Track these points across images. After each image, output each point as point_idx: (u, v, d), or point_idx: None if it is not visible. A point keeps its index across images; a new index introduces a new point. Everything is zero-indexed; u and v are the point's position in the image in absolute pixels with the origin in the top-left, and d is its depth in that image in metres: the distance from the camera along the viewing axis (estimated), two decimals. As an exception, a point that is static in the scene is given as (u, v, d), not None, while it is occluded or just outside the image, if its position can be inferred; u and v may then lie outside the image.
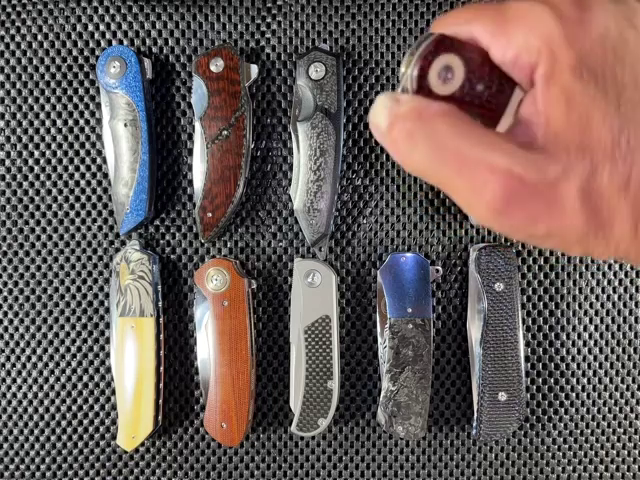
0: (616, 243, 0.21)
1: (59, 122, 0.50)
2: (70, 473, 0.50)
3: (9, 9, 0.49)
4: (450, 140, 0.21)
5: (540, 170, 0.20)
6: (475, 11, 0.22)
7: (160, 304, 0.48)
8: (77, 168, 0.50)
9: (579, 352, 0.49)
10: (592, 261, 0.49)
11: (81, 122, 0.50)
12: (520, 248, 0.49)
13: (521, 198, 0.20)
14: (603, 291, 0.49)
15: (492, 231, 0.49)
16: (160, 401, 0.48)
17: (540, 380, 0.49)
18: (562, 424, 0.50)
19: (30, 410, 0.50)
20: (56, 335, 0.50)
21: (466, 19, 0.22)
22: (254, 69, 0.47)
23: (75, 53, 0.49)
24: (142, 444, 0.48)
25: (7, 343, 0.50)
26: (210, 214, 0.47)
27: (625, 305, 0.49)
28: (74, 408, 0.50)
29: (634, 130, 0.20)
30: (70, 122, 0.50)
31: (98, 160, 0.50)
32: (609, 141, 0.20)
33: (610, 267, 0.49)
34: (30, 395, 0.50)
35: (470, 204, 0.22)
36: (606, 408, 0.49)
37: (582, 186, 0.20)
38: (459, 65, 0.21)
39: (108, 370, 0.50)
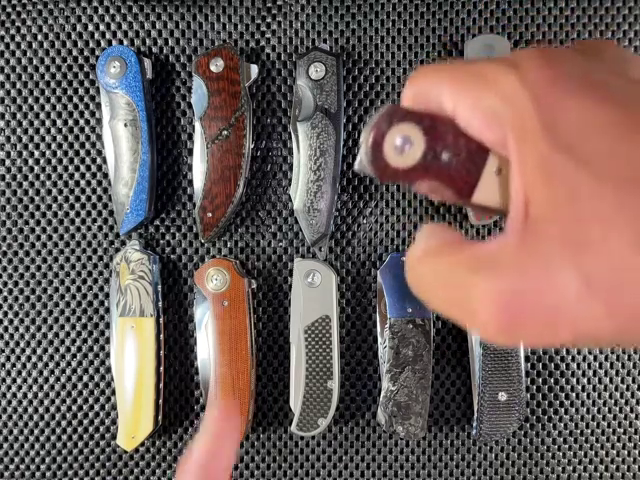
0: None
1: (59, 122, 0.50)
2: (70, 473, 0.50)
3: (9, 9, 0.49)
4: (443, 275, 0.20)
5: (529, 271, 0.18)
6: (439, 71, 0.21)
7: (160, 304, 0.48)
8: (77, 168, 0.50)
9: (579, 352, 0.49)
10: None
11: (81, 122, 0.50)
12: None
13: (523, 308, 0.18)
14: (603, 291, 0.49)
15: (492, 231, 0.49)
16: (160, 401, 0.48)
17: (540, 380, 0.49)
18: (562, 424, 0.50)
19: (30, 410, 0.50)
20: (56, 335, 0.50)
21: (431, 79, 0.21)
22: (254, 69, 0.47)
23: (75, 53, 0.49)
24: (142, 444, 0.48)
25: (7, 343, 0.50)
26: (210, 214, 0.47)
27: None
28: (74, 408, 0.50)
29: (630, 196, 0.17)
30: (70, 122, 0.50)
31: (98, 160, 0.50)
32: (606, 213, 0.17)
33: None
34: (30, 395, 0.50)
35: (476, 328, 0.19)
36: (606, 408, 0.49)
37: (588, 272, 0.17)
38: (418, 135, 0.20)
39: (108, 370, 0.50)
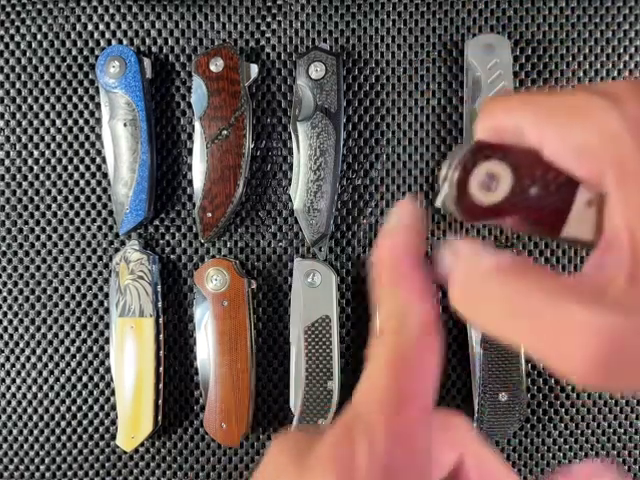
0: None
1: (59, 122, 0.50)
2: (70, 473, 0.50)
3: (9, 9, 0.49)
4: (523, 298, 0.18)
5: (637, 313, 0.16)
6: (525, 100, 0.19)
7: (160, 304, 0.48)
8: (77, 168, 0.50)
9: (579, 352, 0.49)
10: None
11: (81, 122, 0.50)
12: (520, 248, 0.49)
13: (628, 348, 0.16)
14: (603, 291, 0.49)
15: (492, 231, 0.49)
16: (160, 401, 0.48)
17: (541, 380, 0.49)
18: (562, 424, 0.50)
19: (30, 410, 0.50)
20: (56, 335, 0.50)
21: (513, 110, 0.19)
22: (254, 69, 0.47)
23: (75, 53, 0.49)
24: (142, 444, 0.48)
25: (7, 343, 0.50)
26: (210, 214, 0.47)
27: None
28: (74, 408, 0.50)
29: None
30: (70, 122, 0.50)
31: (98, 160, 0.50)
32: None
33: (610, 267, 0.49)
34: (30, 395, 0.50)
35: (564, 364, 0.18)
36: (606, 408, 0.49)
37: None
38: (505, 171, 0.19)
39: (108, 370, 0.50)
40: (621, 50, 0.48)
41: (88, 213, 0.50)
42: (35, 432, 0.50)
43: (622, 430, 0.49)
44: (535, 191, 0.19)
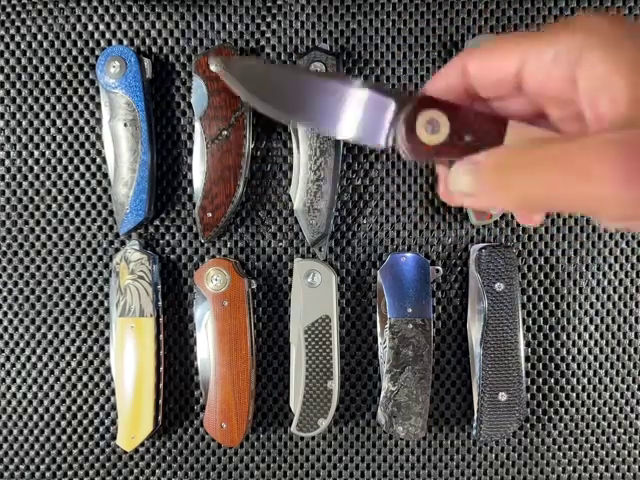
0: None
1: (59, 122, 0.50)
2: (70, 473, 0.50)
3: (9, 9, 0.49)
4: (543, 154, 0.21)
5: None
6: (510, 39, 0.24)
7: (160, 304, 0.48)
8: (77, 168, 0.50)
9: (579, 352, 0.49)
10: (592, 261, 0.49)
11: (81, 122, 0.50)
12: (520, 248, 0.49)
13: None
14: (603, 291, 0.49)
15: (492, 231, 0.49)
16: (160, 401, 0.48)
17: (540, 380, 0.49)
18: (562, 424, 0.50)
19: (30, 410, 0.50)
20: (56, 335, 0.50)
21: (504, 47, 0.24)
22: (254, 69, 0.47)
23: (75, 53, 0.49)
24: (142, 444, 0.48)
25: (7, 343, 0.50)
26: (210, 214, 0.47)
27: (625, 305, 0.49)
28: (74, 408, 0.50)
29: None
30: (70, 122, 0.50)
31: (98, 160, 0.50)
32: None
33: (610, 267, 0.49)
34: (30, 395, 0.50)
35: (595, 202, 0.20)
36: (606, 408, 0.49)
37: None
38: (442, 118, 0.24)
39: (108, 370, 0.50)
40: (621, 50, 0.48)
41: (88, 213, 0.50)
42: (35, 432, 0.50)
43: (622, 430, 0.49)
44: (469, 135, 0.24)
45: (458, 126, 0.24)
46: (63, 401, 0.50)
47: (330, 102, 0.25)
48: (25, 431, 0.50)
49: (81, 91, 0.50)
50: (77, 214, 0.50)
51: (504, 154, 0.23)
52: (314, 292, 0.47)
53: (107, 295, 0.49)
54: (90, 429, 0.50)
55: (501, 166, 0.22)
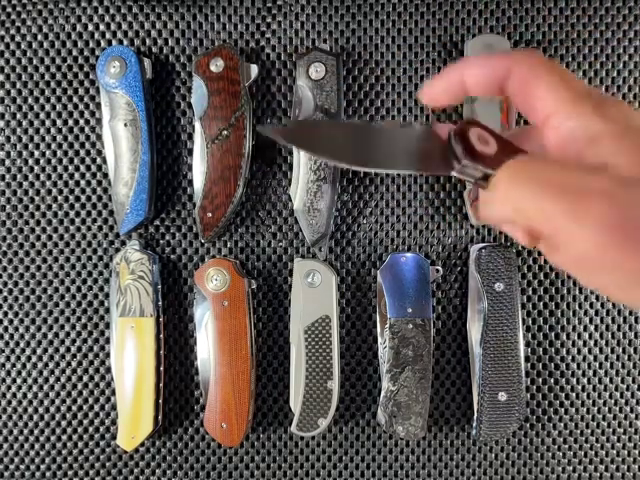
0: None
1: (59, 122, 0.50)
2: (70, 473, 0.50)
3: (9, 9, 0.49)
4: (549, 174, 0.21)
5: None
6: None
7: (160, 304, 0.48)
8: (77, 168, 0.50)
9: (579, 352, 0.49)
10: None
11: (81, 122, 0.50)
12: (520, 248, 0.49)
13: (635, 219, 0.19)
14: (603, 291, 0.49)
15: (492, 231, 0.49)
16: (160, 401, 0.48)
17: (540, 380, 0.49)
18: (562, 424, 0.50)
19: (30, 410, 0.50)
20: (56, 335, 0.50)
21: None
22: (254, 69, 0.47)
23: (75, 53, 0.49)
24: (142, 444, 0.48)
25: (7, 343, 0.50)
26: (210, 214, 0.47)
27: (625, 305, 0.49)
28: (74, 408, 0.50)
29: None
30: (70, 122, 0.50)
31: (98, 160, 0.50)
32: None
33: (610, 267, 0.49)
34: (30, 395, 0.50)
35: (577, 236, 0.20)
36: (606, 408, 0.49)
37: None
38: (490, 137, 0.25)
39: (108, 370, 0.50)
40: (620, 50, 0.48)
41: (89, 213, 0.50)
42: (35, 432, 0.50)
43: (622, 430, 0.49)
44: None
45: (502, 142, 0.25)
46: (63, 401, 0.50)
47: (392, 145, 0.27)
48: (25, 431, 0.50)
49: (81, 91, 0.50)
50: (77, 214, 0.50)
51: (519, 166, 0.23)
52: (314, 292, 0.47)
53: (107, 295, 0.50)
54: (90, 429, 0.50)
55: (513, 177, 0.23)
